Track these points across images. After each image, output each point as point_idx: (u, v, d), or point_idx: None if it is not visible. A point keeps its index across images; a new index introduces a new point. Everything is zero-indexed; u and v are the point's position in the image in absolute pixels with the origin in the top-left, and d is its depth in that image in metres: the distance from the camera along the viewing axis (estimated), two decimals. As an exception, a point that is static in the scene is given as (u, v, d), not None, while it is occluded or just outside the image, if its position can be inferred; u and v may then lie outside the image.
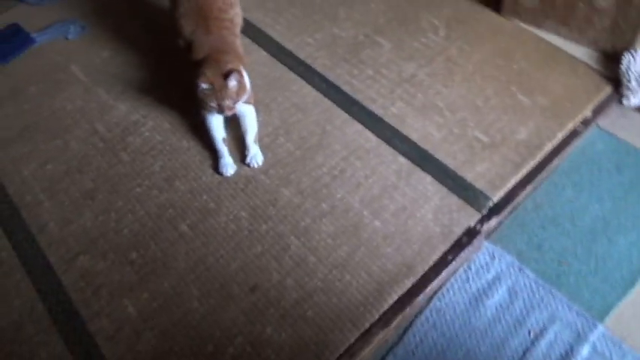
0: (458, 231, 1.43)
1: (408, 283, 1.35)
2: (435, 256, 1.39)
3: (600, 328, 1.29)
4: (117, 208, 1.56)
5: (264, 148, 1.64)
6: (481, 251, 1.43)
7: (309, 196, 1.53)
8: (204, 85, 1.46)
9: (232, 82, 1.47)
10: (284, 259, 1.41)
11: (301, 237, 1.45)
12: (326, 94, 1.78)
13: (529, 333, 1.30)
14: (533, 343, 1.28)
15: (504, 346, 1.28)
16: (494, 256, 1.42)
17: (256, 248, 1.44)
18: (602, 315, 1.31)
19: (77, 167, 1.65)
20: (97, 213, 1.55)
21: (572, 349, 1.26)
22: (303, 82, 1.82)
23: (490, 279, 1.38)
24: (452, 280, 1.39)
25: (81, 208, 1.56)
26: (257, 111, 1.65)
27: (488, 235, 1.46)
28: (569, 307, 1.32)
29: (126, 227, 1.52)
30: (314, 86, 1.80)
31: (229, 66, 1.49)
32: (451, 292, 1.37)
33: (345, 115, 1.71)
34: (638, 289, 1.34)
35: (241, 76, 1.51)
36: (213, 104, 1.49)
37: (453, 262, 1.38)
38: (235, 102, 1.50)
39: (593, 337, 1.27)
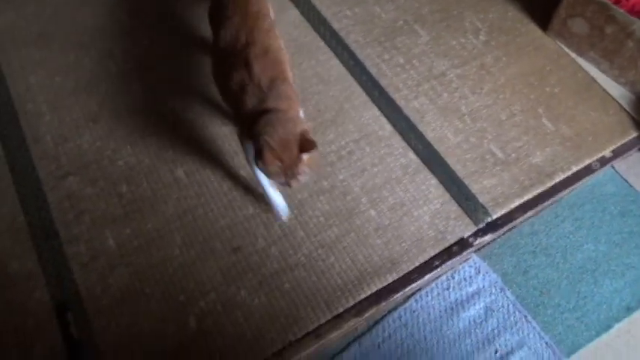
0: (450, 239, 1.42)
1: (390, 279, 1.34)
2: (422, 259, 1.38)
3: (565, 364, 1.30)
4: (116, 136, 1.52)
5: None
6: (468, 263, 1.42)
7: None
8: (268, 165, 1.11)
9: (309, 157, 1.12)
10: (273, 227, 1.40)
11: (295, 209, 1.43)
12: (351, 72, 1.73)
13: (495, 352, 1.30)
14: (497, 363, 1.29)
15: (469, 359, 1.29)
16: (479, 271, 1.41)
17: (248, 210, 1.42)
18: (570, 352, 1.32)
19: (85, 87, 1.61)
20: (95, 138, 1.51)
21: (533, 378, 1.28)
22: (332, 54, 1.77)
23: (470, 292, 1.38)
24: (433, 285, 1.39)
25: (81, 129, 1.52)
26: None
27: (478, 250, 1.45)
28: (540, 337, 1.33)
29: (122, 159, 1.49)
30: (341, 61, 1.75)
31: (301, 129, 1.13)
32: (429, 297, 1.37)
33: (366, 98, 1.67)
34: (610, 334, 1.35)
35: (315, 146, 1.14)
36: (280, 180, 1.17)
37: (438, 269, 1.37)
38: (308, 174, 1.17)
39: (557, 371, 1.29)
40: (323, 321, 1.28)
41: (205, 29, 1.63)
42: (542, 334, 1.33)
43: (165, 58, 1.69)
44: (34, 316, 1.25)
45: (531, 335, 1.33)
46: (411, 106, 1.67)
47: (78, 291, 1.28)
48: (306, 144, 1.11)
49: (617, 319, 1.36)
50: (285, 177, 1.14)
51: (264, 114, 1.16)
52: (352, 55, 1.76)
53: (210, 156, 1.51)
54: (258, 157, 1.11)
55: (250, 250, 1.36)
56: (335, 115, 1.62)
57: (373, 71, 1.74)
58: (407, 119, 1.64)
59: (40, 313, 1.26)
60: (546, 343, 1.32)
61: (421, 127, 1.62)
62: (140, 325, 1.24)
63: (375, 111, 1.65)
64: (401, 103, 1.68)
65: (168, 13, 1.80)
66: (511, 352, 1.30)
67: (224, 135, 1.54)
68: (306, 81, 1.68)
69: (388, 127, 1.62)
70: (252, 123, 1.17)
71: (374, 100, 1.67)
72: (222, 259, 1.34)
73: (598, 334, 1.34)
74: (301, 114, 1.22)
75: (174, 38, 1.73)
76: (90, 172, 1.45)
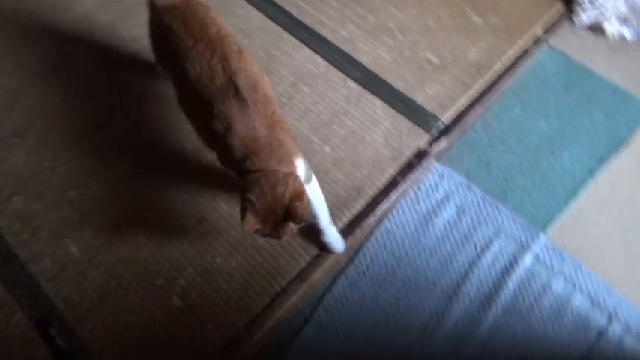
0: (407, 153, 1.42)
1: (358, 207, 1.35)
2: (385, 179, 1.38)
3: (542, 238, 1.33)
4: (50, 145, 1.46)
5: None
6: (431, 172, 1.43)
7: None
8: (249, 229, 1.02)
9: (298, 218, 1.02)
10: (231, 189, 1.37)
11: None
12: (273, 19, 1.68)
13: (475, 247, 1.33)
14: (479, 256, 1.32)
15: (452, 261, 1.32)
16: (443, 177, 1.42)
17: (202, 179, 1.39)
18: (544, 226, 1.35)
19: (4, 103, 1.52)
20: (28, 152, 1.44)
21: (515, 259, 1.31)
22: (250, 7, 1.71)
23: (439, 198, 1.40)
24: (402, 201, 1.39)
25: (11, 147, 1.45)
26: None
27: (438, 157, 1.46)
28: (514, 221, 1.36)
29: (62, 166, 1.43)
30: (261, 11, 1.69)
31: (292, 193, 1.02)
32: (401, 213, 1.38)
33: (294, 40, 1.63)
34: (579, 200, 1.38)
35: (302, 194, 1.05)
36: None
37: (403, 184, 1.38)
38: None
39: (536, 247, 1.32)
40: (303, 264, 1.28)
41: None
42: (515, 217, 1.36)
43: (81, 54, 1.61)
44: (18, 340, 1.22)
45: (505, 222, 1.36)
46: (340, 36, 1.64)
47: (54, 304, 1.25)
48: (293, 214, 1.01)
49: (582, 184, 1.40)
50: (268, 236, 1.07)
51: (254, 173, 1.04)
52: (269, 1, 1.71)
53: (151, 137, 1.46)
54: (241, 218, 1.02)
55: (215, 216, 1.34)
56: (266, 64, 1.58)
57: (294, 12, 1.69)
58: (339, 50, 1.61)
59: (22, 335, 1.22)
60: (521, 225, 1.35)
61: (354, 55, 1.59)
62: (125, 320, 1.22)
63: (305, 51, 1.62)
64: (329, 36, 1.64)
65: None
66: (489, 242, 1.33)
67: (159, 117, 1.49)
68: (228, 39, 1.63)
69: (322, 62, 1.59)
70: (239, 173, 1.07)
71: (302, 41, 1.63)
72: (189, 233, 1.32)
73: (567, 203, 1.38)
74: (301, 165, 1.09)
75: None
76: (32, 187, 1.39)
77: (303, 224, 1.07)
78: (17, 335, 1.23)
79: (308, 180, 1.13)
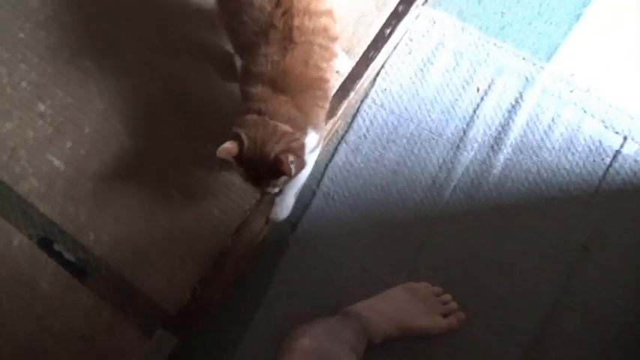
0: (392, 1, 1.28)
1: (349, 67, 1.24)
2: (373, 32, 1.26)
3: (548, 69, 1.24)
4: (5, 60, 1.33)
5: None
6: (420, 19, 1.30)
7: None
8: (224, 156, 0.97)
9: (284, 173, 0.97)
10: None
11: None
12: None
13: (477, 90, 1.25)
14: (482, 98, 1.24)
15: (454, 108, 1.24)
16: (434, 22, 1.30)
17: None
18: (549, 56, 1.25)
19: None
20: (-19, 71, 1.32)
21: (521, 95, 1.23)
22: None
23: (433, 46, 1.29)
24: (394, 55, 1.29)
25: (-39, 69, 1.32)
26: None
27: (425, 1, 1.32)
28: (516, 55, 1.26)
29: (23, 80, 1.31)
30: None
31: (283, 148, 0.96)
32: (395, 68, 1.28)
33: None
34: (583, 23, 1.27)
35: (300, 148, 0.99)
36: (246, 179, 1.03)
37: (393, 36, 1.26)
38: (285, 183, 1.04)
39: (542, 78, 1.23)
40: (300, 136, 1.21)
41: None
42: (517, 51, 1.26)
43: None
44: (25, 260, 1.19)
45: (506, 58, 1.26)
46: None
47: (51, 220, 1.21)
48: (279, 164, 0.94)
49: (584, 4, 1.27)
50: (249, 183, 1.02)
51: (257, 114, 0.98)
52: None
53: (108, 34, 1.32)
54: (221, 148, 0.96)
55: (197, 96, 1.24)
56: None
57: None
58: None
59: (27, 256, 1.20)
60: (523, 59, 1.25)
61: None
62: (127, 221, 1.18)
63: None
64: None
65: None
66: (492, 82, 1.24)
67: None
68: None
69: None
70: (244, 96, 1.01)
71: None
72: (173, 121, 1.23)
73: (571, 27, 1.27)
74: (313, 137, 1.03)
75: None
76: (-3, 107, 1.29)
77: (284, 183, 1.04)
78: (23, 256, 1.20)
79: (311, 150, 1.06)
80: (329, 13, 1.03)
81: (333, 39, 1.04)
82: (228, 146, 0.96)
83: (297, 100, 0.99)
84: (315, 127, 1.03)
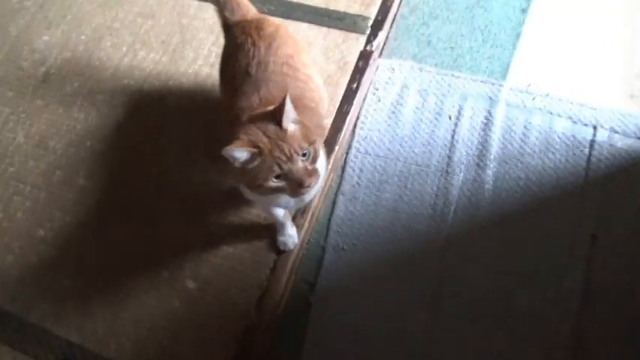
0: (351, 59, 1.40)
1: (327, 125, 1.32)
2: (341, 90, 1.36)
3: (506, 85, 1.35)
4: (-2, 196, 1.36)
5: (126, 69, 1.47)
6: (380, 70, 1.41)
7: (197, 94, 1.42)
8: (239, 154, 0.86)
9: (290, 118, 0.88)
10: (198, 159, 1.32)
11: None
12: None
13: (449, 118, 1.33)
14: (456, 124, 1.32)
15: (433, 139, 1.31)
16: (393, 69, 1.41)
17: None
18: (503, 74, 1.37)
19: None
20: (-23, 210, 1.34)
21: (490, 113, 1.32)
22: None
23: (398, 90, 1.38)
24: (365, 105, 1.37)
25: (-43, 214, 1.34)
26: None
27: (380, 53, 1.44)
28: (474, 81, 1.36)
29: (17, 210, 1.34)
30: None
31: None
32: (369, 117, 1.36)
33: (196, 2, 1.56)
34: (524, 38, 1.40)
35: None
36: (279, 182, 0.89)
37: (360, 89, 1.36)
38: (314, 161, 0.91)
39: (503, 95, 1.33)
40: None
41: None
42: (474, 77, 1.36)
43: None
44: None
45: (467, 85, 1.36)
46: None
47: (69, 341, 1.17)
48: (279, 106, 0.86)
49: (520, 24, 1.41)
50: (280, 165, 0.86)
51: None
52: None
53: (93, 150, 1.38)
54: (230, 150, 0.85)
55: (196, 188, 1.28)
56: (181, 35, 1.51)
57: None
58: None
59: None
60: (482, 82, 1.36)
61: (261, -8, 1.55)
62: (147, 322, 1.16)
63: (211, 7, 1.54)
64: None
65: None
66: (461, 108, 1.33)
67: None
68: (133, 25, 1.55)
69: (235, 12, 1.54)
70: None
71: None
72: (175, 214, 1.26)
73: (514, 45, 1.39)
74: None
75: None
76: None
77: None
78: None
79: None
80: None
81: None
82: (244, 154, 0.86)
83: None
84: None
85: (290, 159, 0.86)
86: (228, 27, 1.18)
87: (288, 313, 1.19)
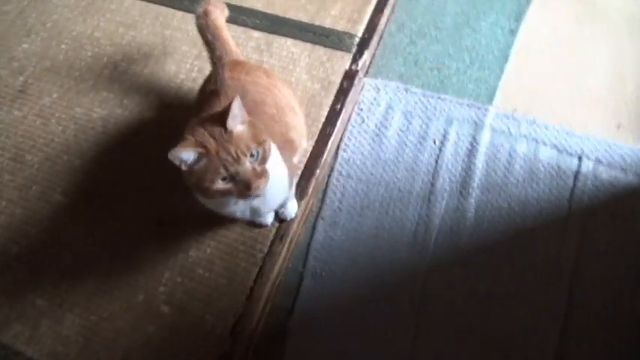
0: (336, 79, 1.37)
1: (309, 147, 1.30)
2: (324, 112, 1.33)
3: (492, 110, 1.33)
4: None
5: (106, 81, 1.44)
6: (365, 89, 1.39)
7: (176, 109, 1.39)
8: (185, 155, 0.85)
9: (237, 119, 0.87)
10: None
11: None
12: (149, 0, 1.57)
13: (434, 142, 1.31)
14: (440, 149, 1.30)
15: (416, 164, 1.29)
16: (378, 89, 1.39)
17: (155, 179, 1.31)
18: (490, 98, 1.35)
19: None
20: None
21: (475, 139, 1.30)
22: (120, -2, 1.59)
23: (383, 111, 1.36)
24: (349, 127, 1.35)
25: None
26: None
27: (366, 72, 1.42)
28: (460, 104, 1.34)
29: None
30: (133, -4, 1.58)
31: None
32: (353, 139, 1.34)
33: (179, 13, 1.53)
34: (511, 62, 1.38)
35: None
36: (226, 185, 0.88)
37: (343, 110, 1.33)
38: (263, 161, 0.90)
39: (489, 120, 1.31)
40: (276, 224, 1.23)
41: None
42: (460, 100, 1.34)
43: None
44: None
45: (452, 108, 1.34)
46: (226, -8, 1.55)
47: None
48: (227, 111, 0.84)
49: (509, 46, 1.39)
50: (225, 166, 0.85)
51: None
52: (140, -17, 1.59)
53: (73, 166, 1.35)
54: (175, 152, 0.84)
55: (171, 211, 1.26)
56: (163, 47, 1.48)
57: (170, -17, 1.59)
58: (228, 6, 1.52)
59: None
60: (467, 105, 1.34)
61: (246, 4, 1.51)
62: (120, 348, 1.14)
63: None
64: (215, -4, 1.55)
65: None
66: (445, 133, 1.31)
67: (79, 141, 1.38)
68: (114, 36, 1.51)
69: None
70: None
71: (188, 10, 1.53)
72: (152, 239, 1.24)
73: (502, 68, 1.37)
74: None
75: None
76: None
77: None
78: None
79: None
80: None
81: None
82: (190, 155, 0.85)
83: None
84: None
85: (237, 160, 0.86)
86: (215, 67, 1.18)
87: (264, 341, 1.17)
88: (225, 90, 1.05)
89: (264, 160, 0.89)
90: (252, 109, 1.01)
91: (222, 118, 0.87)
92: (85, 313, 1.19)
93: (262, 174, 0.89)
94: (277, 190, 0.98)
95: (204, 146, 0.85)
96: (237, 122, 0.87)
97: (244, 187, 0.88)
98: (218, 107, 1.01)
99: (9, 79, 1.50)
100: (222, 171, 0.86)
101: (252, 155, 0.87)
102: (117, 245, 1.25)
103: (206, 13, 1.19)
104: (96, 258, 1.24)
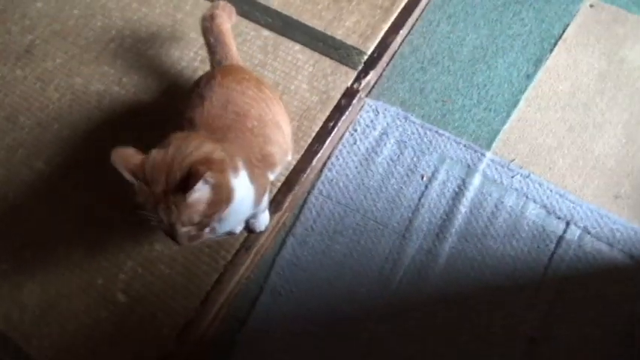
0: (335, 95, 1.33)
1: (293, 161, 1.27)
2: (316, 127, 1.30)
3: (489, 156, 1.27)
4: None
5: (110, 55, 1.43)
6: (364, 110, 1.34)
7: (171, 97, 1.37)
8: (127, 176, 0.84)
9: (197, 193, 0.82)
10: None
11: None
12: (166, -20, 1.54)
13: (422, 178, 1.27)
14: (426, 187, 1.26)
15: (400, 197, 1.26)
16: (377, 112, 1.34)
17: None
18: (489, 143, 1.29)
19: None
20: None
21: (464, 183, 1.25)
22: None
23: (377, 136, 1.32)
24: (339, 146, 1.32)
25: None
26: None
27: (369, 92, 1.37)
28: (457, 143, 1.29)
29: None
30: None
31: (205, 153, 0.85)
32: (340, 159, 1.31)
33: (194, -2, 1.50)
34: (520, 108, 1.32)
35: (222, 174, 0.86)
36: (154, 221, 0.86)
37: (336, 129, 1.30)
38: (209, 224, 0.87)
39: (482, 166, 1.26)
40: (246, 233, 1.22)
41: None
42: (458, 139, 1.29)
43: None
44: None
45: (448, 146, 1.29)
46: (244, -17, 1.51)
47: (-6, 326, 1.19)
48: (193, 173, 0.79)
49: (522, 91, 1.32)
50: (163, 216, 0.82)
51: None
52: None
53: (61, 133, 1.35)
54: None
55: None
56: (172, 30, 1.45)
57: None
58: (245, -1, 1.48)
59: (-31, 365, 1.17)
60: (465, 146, 1.28)
61: (262, 0, 1.47)
62: (71, 327, 1.17)
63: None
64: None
65: None
66: (436, 170, 1.26)
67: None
68: (126, 10, 1.49)
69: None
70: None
71: (205, -3, 1.50)
72: (121, 224, 1.24)
73: (509, 113, 1.31)
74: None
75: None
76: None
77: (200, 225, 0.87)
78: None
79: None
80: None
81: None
82: (128, 151, 0.83)
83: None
84: (245, 162, 0.94)
85: (171, 225, 0.85)
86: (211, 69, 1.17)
87: (211, 349, 1.17)
88: (210, 96, 1.03)
89: (203, 227, 0.87)
90: (233, 121, 1.01)
91: (187, 173, 0.80)
92: (45, 287, 1.21)
93: (195, 238, 0.89)
94: (240, 211, 0.97)
95: (148, 185, 0.82)
96: (196, 195, 0.83)
97: (171, 237, 0.89)
98: (200, 113, 1.00)
99: (18, 36, 1.50)
100: (154, 217, 0.85)
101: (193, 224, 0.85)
102: (87, 223, 1.26)
103: (212, 17, 1.17)
104: (65, 231, 1.25)
